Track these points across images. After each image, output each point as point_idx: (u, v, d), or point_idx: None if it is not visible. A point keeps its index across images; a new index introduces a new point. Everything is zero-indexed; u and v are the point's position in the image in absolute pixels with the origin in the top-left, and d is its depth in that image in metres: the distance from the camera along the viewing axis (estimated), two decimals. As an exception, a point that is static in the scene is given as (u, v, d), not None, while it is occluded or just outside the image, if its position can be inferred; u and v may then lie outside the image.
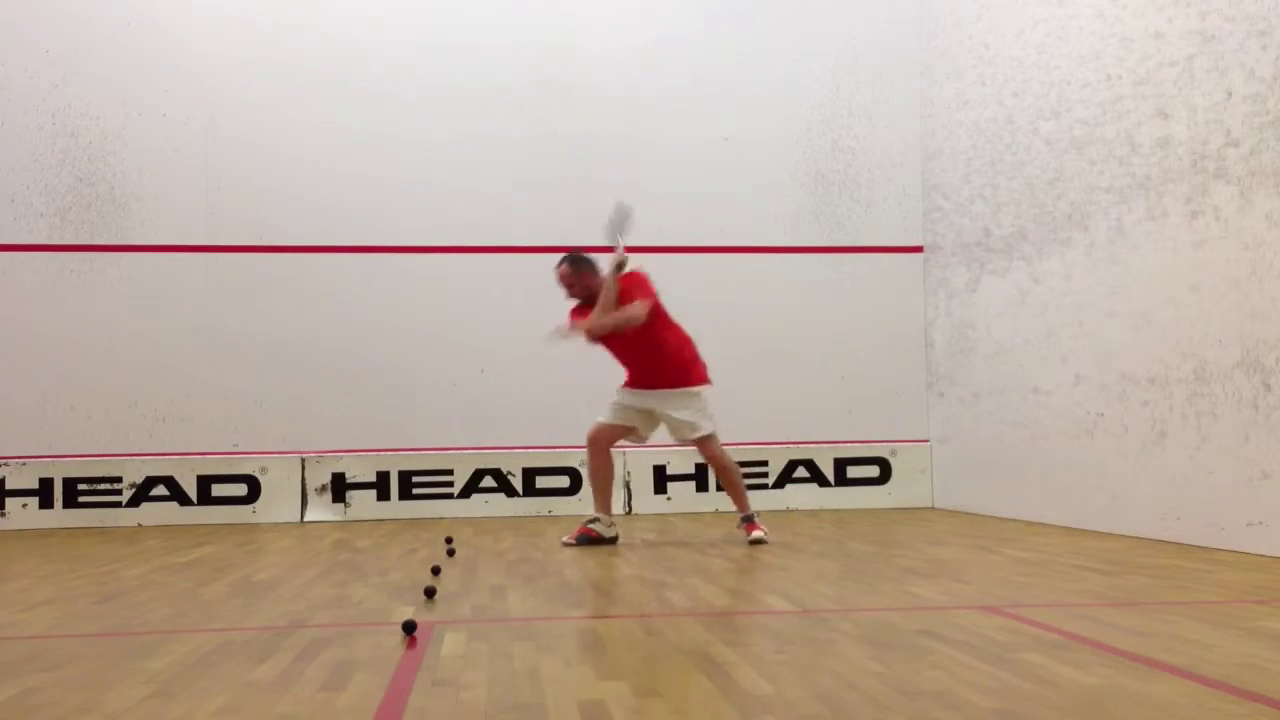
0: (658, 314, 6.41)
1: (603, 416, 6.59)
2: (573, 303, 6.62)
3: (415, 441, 8.55)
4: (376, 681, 3.03)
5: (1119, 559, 5.44)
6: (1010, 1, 7.68)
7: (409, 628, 3.65)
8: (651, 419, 6.57)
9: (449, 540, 6.37)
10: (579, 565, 5.55)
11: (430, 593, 4.48)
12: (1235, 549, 5.58)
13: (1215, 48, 5.74)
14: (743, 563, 5.57)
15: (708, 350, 9.17)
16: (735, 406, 8.79)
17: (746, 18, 9.05)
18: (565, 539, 6.46)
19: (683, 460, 8.59)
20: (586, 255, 6.62)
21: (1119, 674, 2.99)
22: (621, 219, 6.55)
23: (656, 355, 6.44)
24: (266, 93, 8.63)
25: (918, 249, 9.02)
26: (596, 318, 6.34)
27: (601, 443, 6.58)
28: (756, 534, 6.37)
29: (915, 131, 9.02)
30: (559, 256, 6.81)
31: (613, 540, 6.46)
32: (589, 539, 6.41)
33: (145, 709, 2.77)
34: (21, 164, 8.38)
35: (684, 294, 8.82)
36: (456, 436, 8.58)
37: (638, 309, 6.29)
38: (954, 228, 8.49)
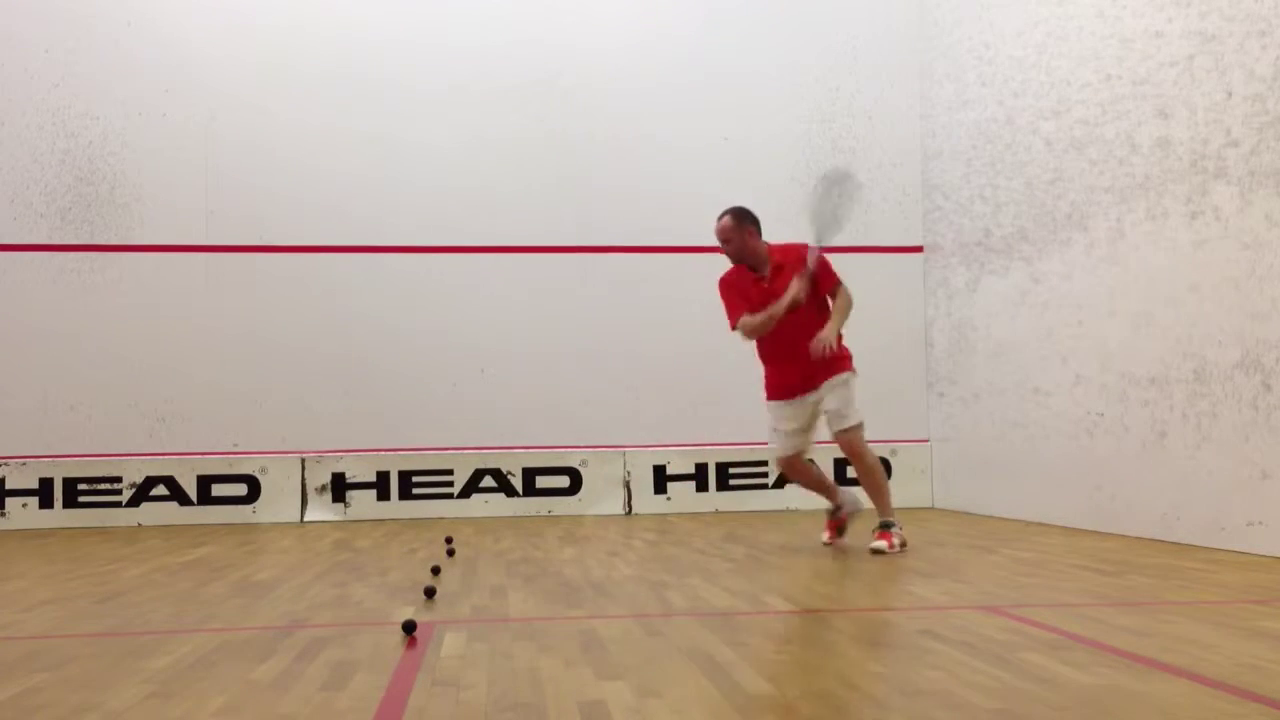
0: (820, 302, 5.92)
1: (776, 447, 6.12)
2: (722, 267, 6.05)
3: (415, 441, 8.55)
4: (376, 681, 3.03)
5: (1119, 559, 5.43)
6: (1010, 1, 7.68)
7: (409, 628, 3.64)
8: (812, 421, 6.06)
9: (449, 540, 6.37)
10: (579, 565, 5.55)
11: (430, 593, 4.48)
12: (1235, 549, 5.58)
13: (1215, 48, 5.74)
14: (743, 563, 5.56)
15: (709, 350, 9.22)
16: (735, 406, 8.79)
17: (746, 18, 9.05)
18: (879, 545, 5.77)
19: (683, 460, 8.59)
20: (751, 213, 6.02)
21: (1119, 674, 2.99)
22: (843, 199, 5.96)
23: (807, 342, 5.82)
24: (266, 93, 8.63)
25: (918, 249, 9.02)
26: (765, 319, 5.79)
27: (795, 468, 6.22)
28: (878, 544, 5.76)
29: (915, 131, 9.02)
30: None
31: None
32: (842, 527, 6.18)
33: (145, 709, 2.77)
34: (21, 164, 8.38)
35: (684, 294, 8.85)
36: (456, 436, 8.58)
37: (800, 289, 5.74)
38: (954, 228, 8.49)
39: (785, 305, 5.73)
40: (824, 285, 5.91)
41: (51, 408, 8.31)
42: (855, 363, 6.13)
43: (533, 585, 4.87)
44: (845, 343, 5.99)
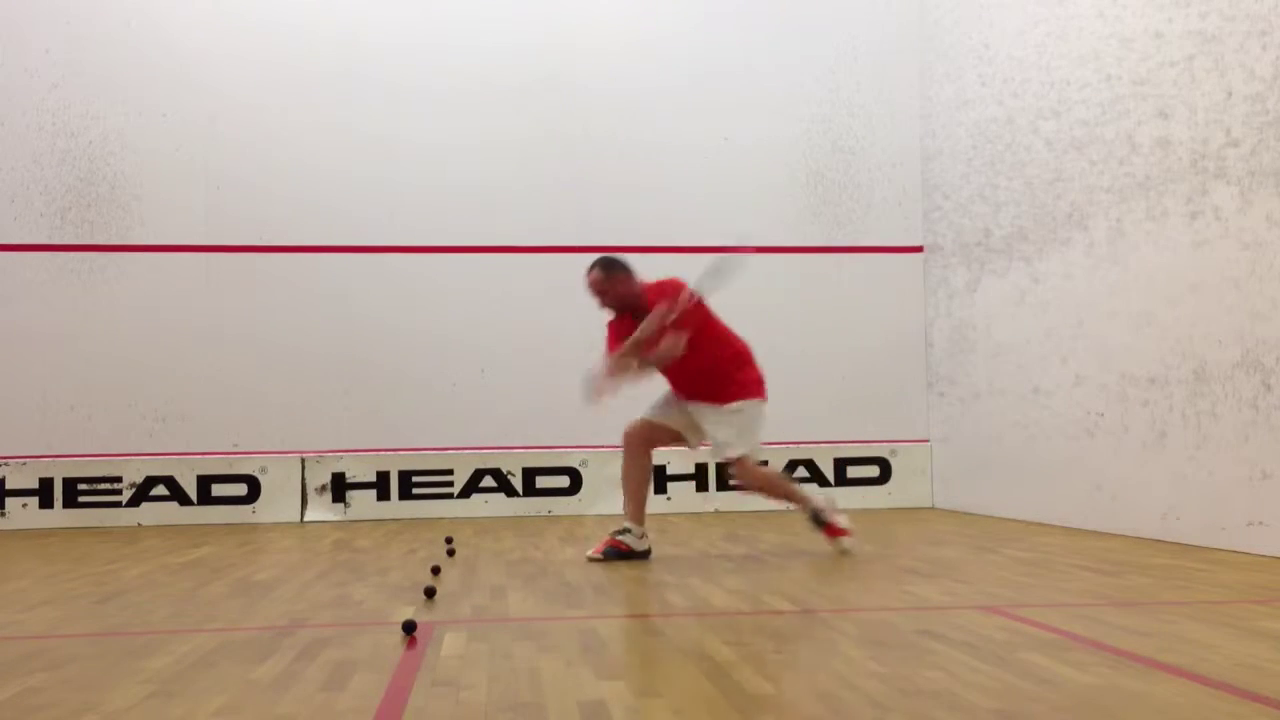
0: (701, 328, 5.60)
1: (645, 412, 5.85)
2: (607, 314, 5.81)
3: (415, 441, 8.55)
4: (376, 681, 3.03)
5: (1119, 559, 5.44)
6: (1010, 1, 7.68)
7: (409, 628, 3.64)
8: (698, 426, 5.84)
9: (449, 540, 6.36)
10: (579, 565, 5.54)
11: (430, 593, 4.48)
12: (1235, 549, 5.58)
13: (1215, 48, 5.74)
14: (743, 563, 5.57)
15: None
16: (735, 406, 8.79)
17: (747, 18, 9.06)
18: (591, 553, 5.71)
19: (683, 460, 8.58)
20: (619, 258, 5.81)
21: (1119, 674, 2.99)
22: (722, 272, 5.57)
23: (699, 369, 5.68)
24: (266, 93, 8.64)
25: (918, 249, 9.02)
26: (628, 354, 5.47)
27: (638, 441, 5.81)
28: (843, 542, 5.72)
29: (915, 131, 9.02)
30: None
31: (644, 554, 5.69)
32: (618, 552, 5.63)
33: (145, 709, 2.77)
34: (21, 164, 8.38)
35: (684, 294, 8.85)
36: (456, 436, 8.58)
37: (675, 347, 5.46)
38: (954, 228, 8.49)
39: (638, 337, 5.43)
40: (679, 323, 5.51)
41: (51, 408, 8.31)
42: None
43: (533, 585, 4.87)
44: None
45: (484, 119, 8.79)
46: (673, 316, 5.45)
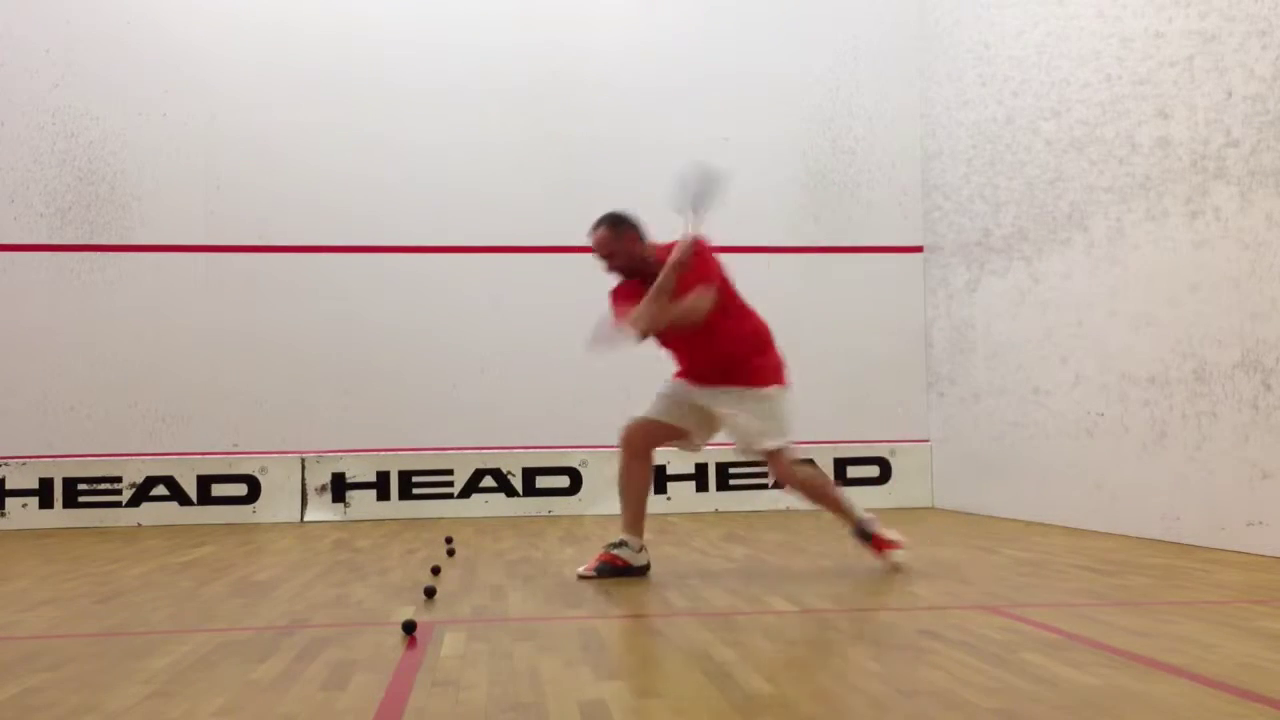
0: (725, 297, 4.97)
1: (646, 410, 5.19)
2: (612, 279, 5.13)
3: (415, 441, 8.55)
4: (376, 681, 3.03)
5: (1119, 559, 5.43)
6: (1010, 1, 7.68)
7: (409, 628, 3.64)
8: (709, 422, 5.15)
9: (449, 540, 6.36)
10: (579, 565, 5.54)
11: (430, 593, 4.48)
12: (1235, 549, 5.58)
13: (1215, 48, 5.74)
14: (743, 563, 5.56)
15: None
16: (735, 406, 8.77)
17: (747, 18, 9.05)
18: (582, 570, 5.07)
19: (683, 460, 8.58)
20: (628, 214, 5.15)
21: (1119, 674, 2.98)
22: (705, 187, 5.00)
23: (719, 346, 5.01)
24: (266, 93, 8.64)
25: (918, 249, 9.02)
26: (648, 310, 4.78)
27: (638, 443, 5.16)
28: (894, 555, 5.08)
29: (915, 131, 9.02)
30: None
31: (643, 570, 5.06)
32: (613, 569, 5.01)
33: (145, 709, 2.77)
34: (21, 164, 8.38)
35: (684, 294, 8.84)
36: (456, 436, 8.58)
37: (701, 300, 4.82)
38: (954, 228, 8.49)
39: (661, 285, 4.78)
40: (692, 275, 4.88)
41: (51, 408, 8.31)
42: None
43: (533, 585, 4.87)
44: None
45: (484, 119, 8.79)
46: (689, 254, 4.83)
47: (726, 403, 5.04)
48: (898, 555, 5.12)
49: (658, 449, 5.28)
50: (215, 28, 8.65)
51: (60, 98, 8.44)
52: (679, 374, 5.18)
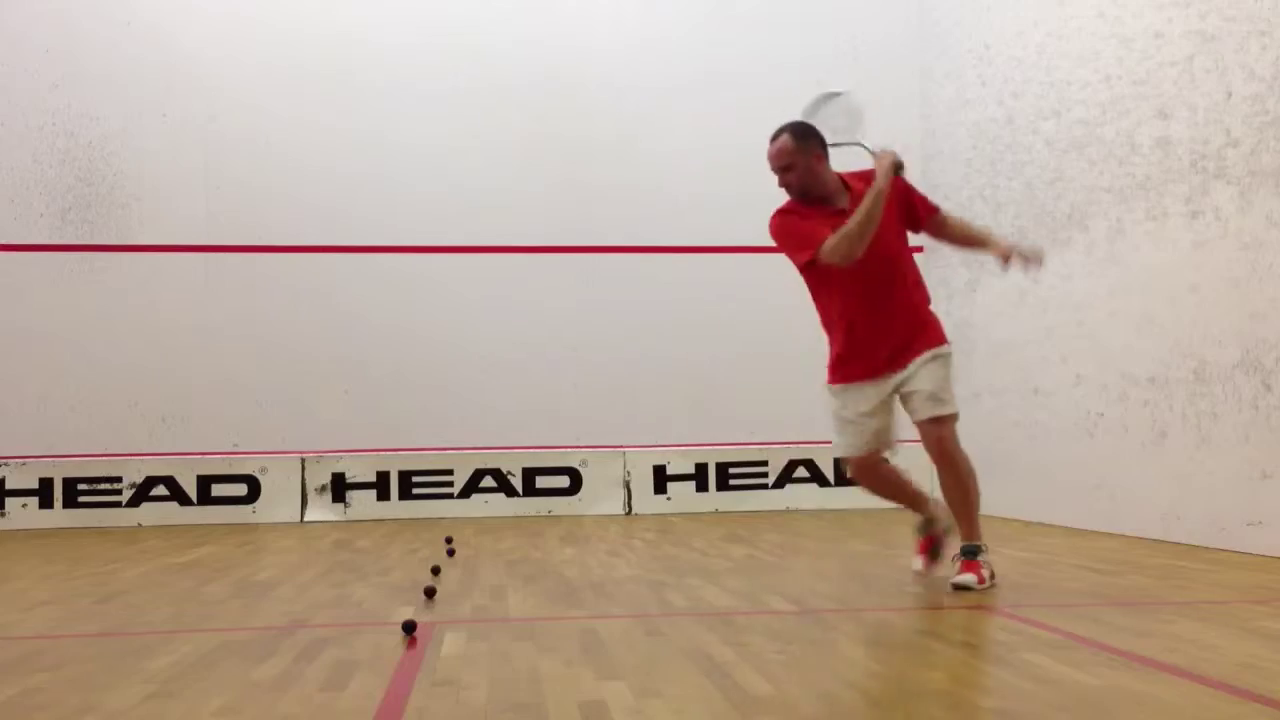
0: (905, 256, 4.46)
1: (847, 442, 4.56)
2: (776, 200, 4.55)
3: (415, 441, 8.55)
4: (376, 681, 3.02)
5: (1119, 559, 5.43)
6: (1010, 2, 7.68)
7: (409, 628, 3.64)
8: (890, 414, 4.55)
9: (449, 540, 6.36)
10: (579, 565, 5.54)
11: (430, 593, 4.48)
12: (1235, 549, 5.58)
13: (1215, 48, 5.74)
14: (743, 563, 5.56)
15: (709, 350, 9.16)
16: (736, 406, 8.79)
17: (746, 18, 9.05)
18: (919, 568, 4.74)
19: (682, 460, 8.58)
20: (815, 129, 4.67)
21: (1119, 674, 2.98)
22: (849, 114, 4.72)
23: (902, 305, 4.44)
24: (266, 93, 8.64)
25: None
26: (860, 228, 4.25)
27: (869, 477, 4.68)
28: (964, 578, 4.36)
29: (915, 131, 9.01)
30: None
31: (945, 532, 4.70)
32: (936, 548, 4.72)
33: (145, 709, 2.77)
34: (21, 164, 8.38)
35: (684, 294, 8.86)
36: (456, 436, 8.58)
37: (881, 193, 4.29)
38: (954, 228, 8.48)
39: (882, 184, 4.32)
40: (922, 210, 4.55)
41: (51, 408, 8.31)
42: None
43: (533, 585, 4.87)
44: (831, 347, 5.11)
45: (484, 119, 8.79)
46: (889, 178, 4.36)
47: (916, 365, 4.40)
48: (964, 578, 4.38)
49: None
50: (215, 28, 8.66)
51: (60, 98, 8.44)
52: (855, 371, 4.49)
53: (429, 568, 5.32)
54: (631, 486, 8.61)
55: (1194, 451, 5.93)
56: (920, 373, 4.39)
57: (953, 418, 4.38)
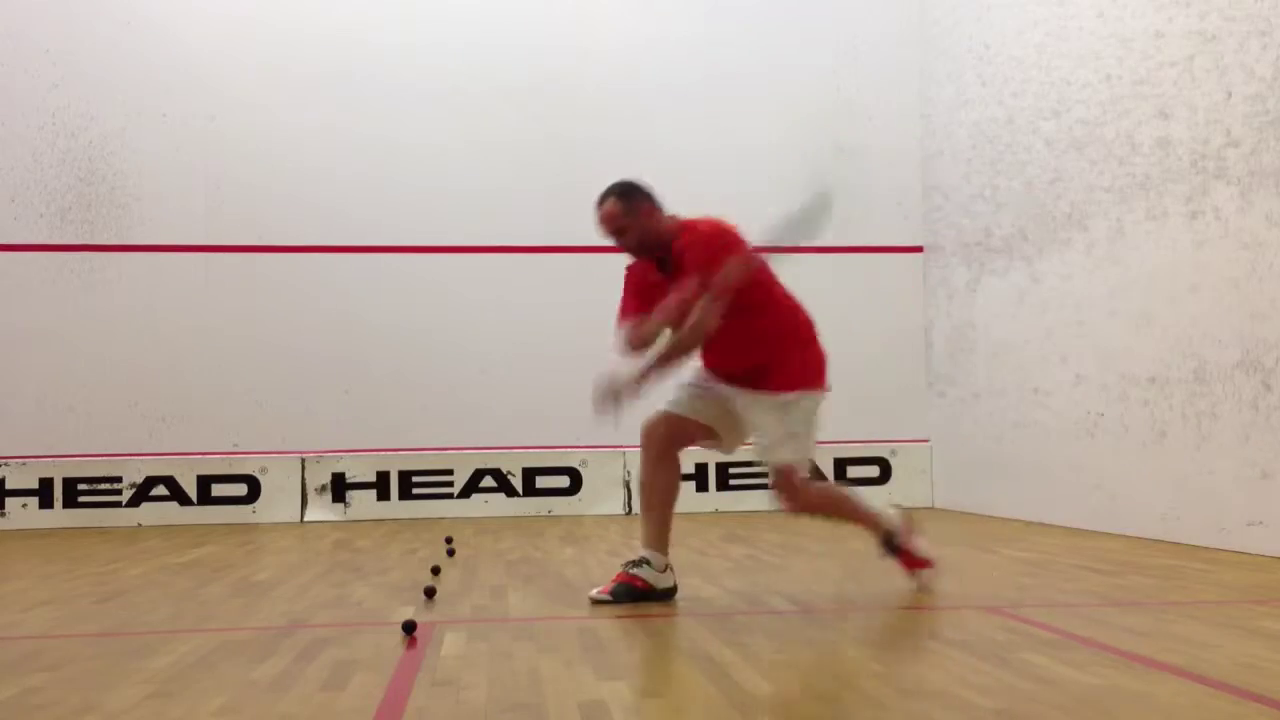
0: (755, 286, 4.38)
1: (666, 403, 4.43)
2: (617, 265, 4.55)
3: (415, 441, 8.55)
4: (376, 681, 3.02)
5: (1119, 559, 5.43)
6: (1010, 1, 7.68)
7: (409, 628, 3.64)
8: (735, 422, 4.40)
9: (449, 540, 6.36)
10: (579, 565, 5.54)
11: (430, 593, 4.48)
12: (1235, 549, 5.58)
13: (1215, 48, 5.74)
14: (743, 563, 5.56)
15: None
16: (735, 406, 8.75)
17: (747, 18, 9.05)
18: (596, 593, 4.35)
19: (682, 461, 8.56)
20: (640, 184, 4.49)
21: (1119, 674, 2.98)
22: (810, 220, 4.53)
23: (741, 340, 4.31)
24: (266, 93, 8.64)
25: (918, 249, 9.02)
26: (660, 326, 4.22)
27: (660, 443, 4.38)
28: (923, 574, 4.42)
29: (915, 131, 9.02)
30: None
31: (667, 595, 4.33)
32: (632, 591, 4.27)
33: (145, 709, 2.77)
34: (21, 164, 8.38)
35: (684, 294, 8.83)
36: (456, 436, 8.58)
37: (705, 319, 4.16)
38: (954, 228, 8.49)
39: (659, 322, 4.24)
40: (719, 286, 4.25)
41: (51, 408, 8.30)
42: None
43: (533, 585, 4.87)
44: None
45: (484, 119, 8.79)
46: (736, 275, 4.16)
47: (747, 406, 4.31)
48: (927, 574, 4.45)
49: (686, 449, 4.50)
50: (215, 28, 8.65)
51: (60, 98, 8.44)
52: (707, 365, 4.44)
53: (429, 568, 5.32)
54: (631, 486, 8.61)
55: (1194, 451, 5.93)
56: (756, 419, 4.29)
57: (785, 471, 4.23)
